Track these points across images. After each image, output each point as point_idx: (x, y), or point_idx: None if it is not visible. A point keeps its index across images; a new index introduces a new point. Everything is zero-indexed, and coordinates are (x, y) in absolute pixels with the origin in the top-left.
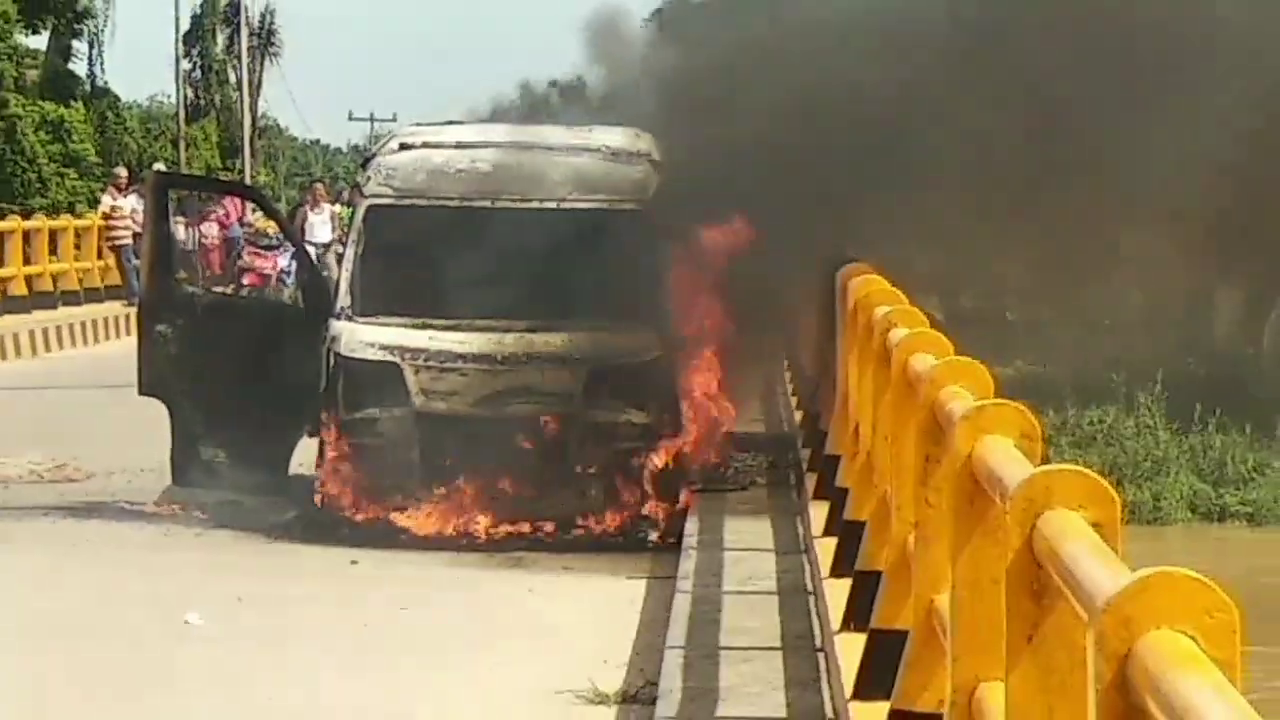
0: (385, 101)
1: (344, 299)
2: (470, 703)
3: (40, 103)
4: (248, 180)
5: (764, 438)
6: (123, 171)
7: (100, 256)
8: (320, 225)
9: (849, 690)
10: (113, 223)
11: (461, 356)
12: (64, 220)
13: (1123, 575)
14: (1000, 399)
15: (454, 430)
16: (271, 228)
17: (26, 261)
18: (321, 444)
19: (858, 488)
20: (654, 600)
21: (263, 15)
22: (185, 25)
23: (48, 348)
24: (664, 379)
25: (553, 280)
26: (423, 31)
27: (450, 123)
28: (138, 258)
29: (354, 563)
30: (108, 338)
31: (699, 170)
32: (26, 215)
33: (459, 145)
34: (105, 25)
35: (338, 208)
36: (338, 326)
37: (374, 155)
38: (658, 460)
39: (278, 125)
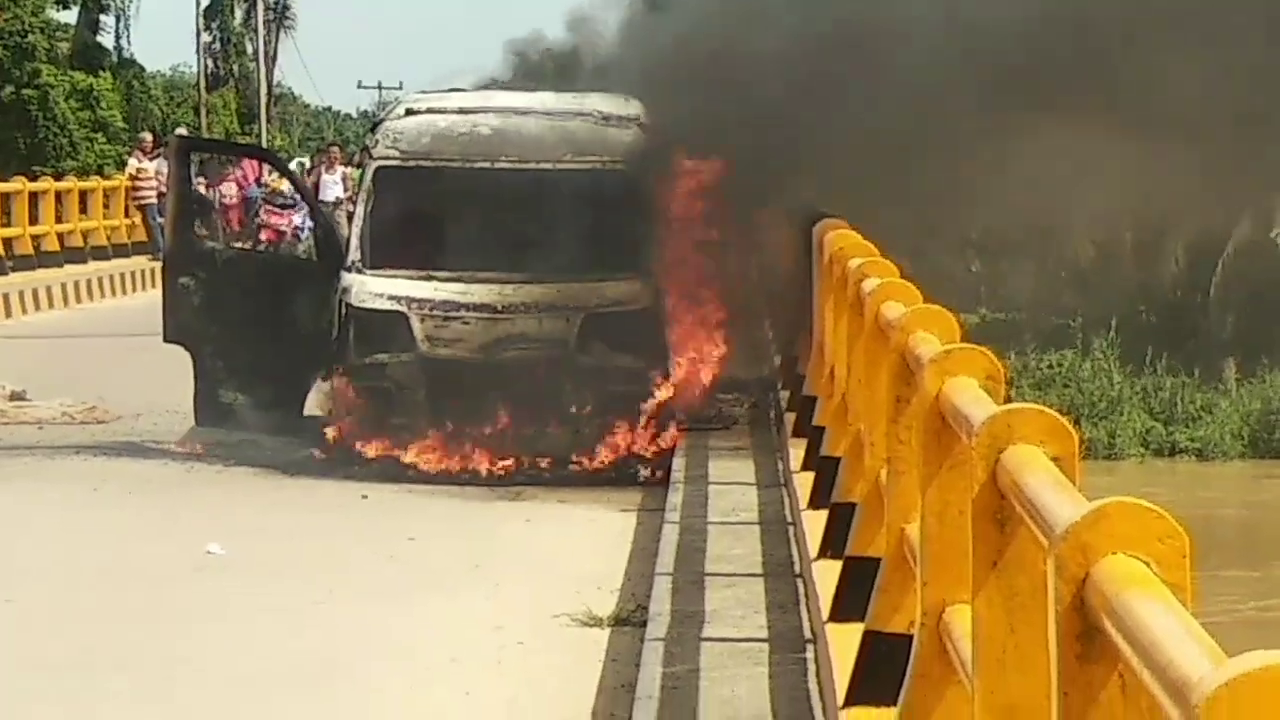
0: (392, 70)
1: (354, 253)
2: (474, 626)
3: (71, 73)
4: (264, 144)
5: (746, 380)
6: (148, 136)
7: (127, 215)
8: (333, 185)
9: (826, 613)
10: (138, 184)
11: (464, 306)
12: (93, 181)
13: (1080, 505)
14: (965, 344)
15: (457, 374)
16: (287, 187)
17: (59, 220)
18: (334, 387)
19: (834, 426)
20: (644, 531)
21: None
22: (205, 0)
23: (79, 299)
24: (653, 326)
25: (549, 236)
26: (428, 3)
27: (453, 90)
28: (162, 216)
29: (364, 497)
30: (134, 290)
31: (685, 132)
32: (58, 177)
33: (461, 111)
34: (131, 1)
35: (350, 169)
36: (348, 279)
37: (382, 120)
38: (647, 402)
39: (292, 93)
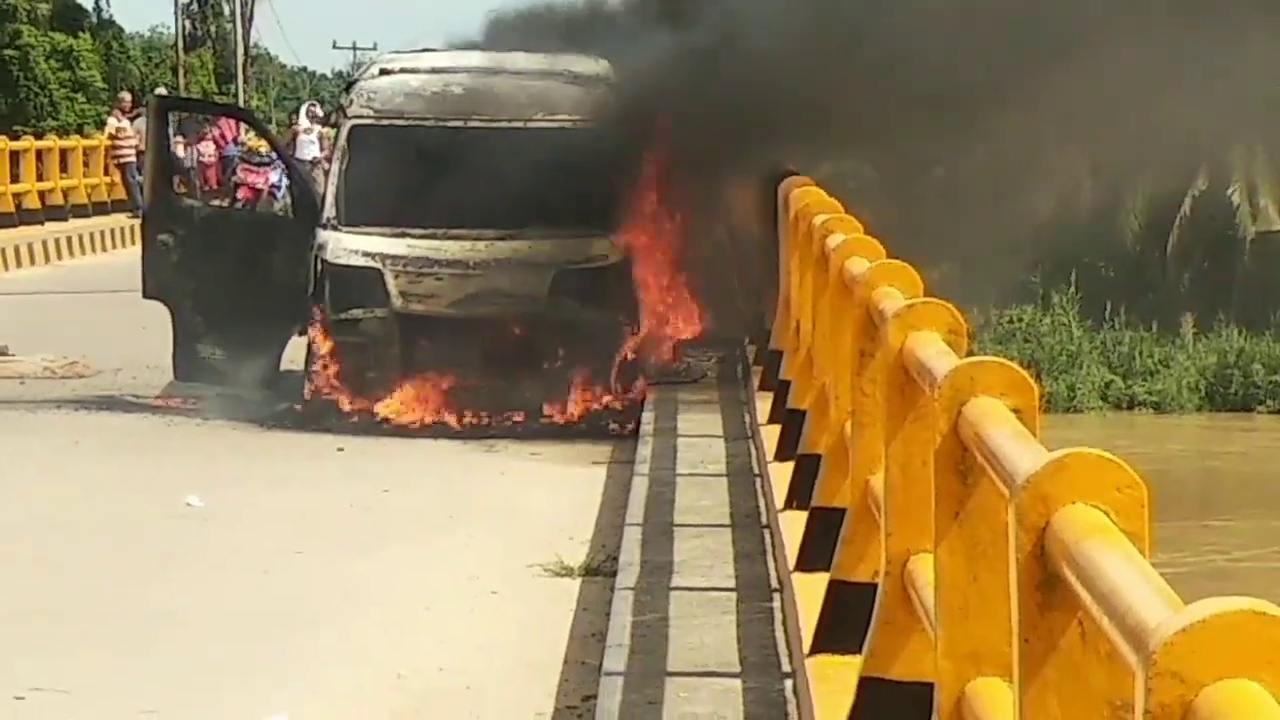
0: (367, 31)
1: (330, 210)
2: (447, 575)
3: (51, 33)
4: (241, 104)
5: (714, 336)
6: (127, 96)
7: (107, 173)
8: (309, 144)
9: (792, 563)
10: (118, 143)
11: (437, 262)
12: (73, 140)
13: (1040, 456)
14: (928, 298)
15: (431, 329)
16: (264, 146)
17: (40, 178)
18: (310, 342)
19: (799, 380)
20: (614, 483)
21: None
22: None
23: (59, 256)
24: (623, 281)
25: (520, 193)
26: None
27: (426, 50)
28: (141, 174)
29: (340, 450)
30: (114, 247)
31: (653, 91)
32: (39, 136)
33: (434, 70)
34: None
35: (326, 129)
36: (324, 235)
37: (356, 80)
38: (617, 356)
39: (268, 54)
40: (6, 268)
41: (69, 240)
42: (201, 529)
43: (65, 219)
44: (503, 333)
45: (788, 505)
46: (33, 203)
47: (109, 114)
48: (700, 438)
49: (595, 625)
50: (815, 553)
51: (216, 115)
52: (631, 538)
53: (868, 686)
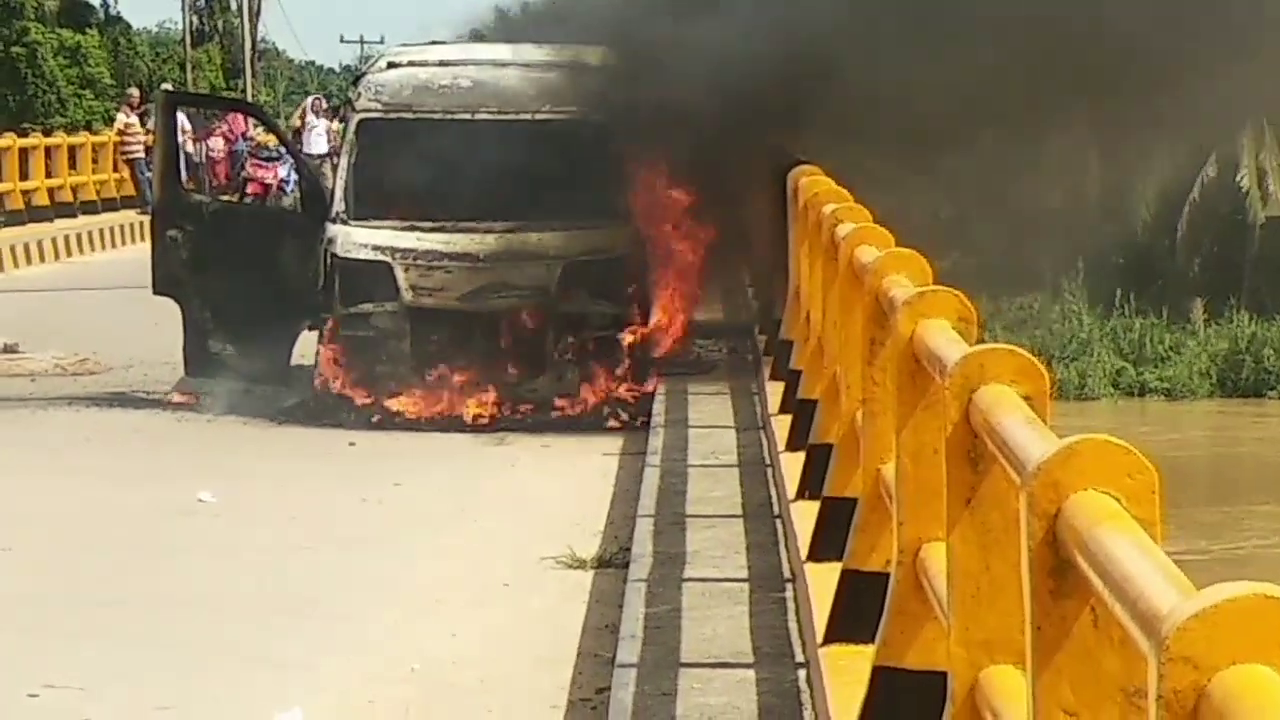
0: (374, 24)
1: (339, 205)
2: (460, 568)
3: (59, 30)
4: (249, 99)
5: (724, 325)
6: (135, 92)
7: (115, 169)
8: (317, 138)
9: (804, 553)
10: (126, 139)
11: (447, 255)
12: (82, 137)
13: (1051, 442)
14: (938, 286)
15: (441, 322)
16: (272, 141)
17: (49, 175)
18: (320, 337)
19: (810, 369)
20: (625, 474)
21: None
22: None
23: (69, 253)
24: (632, 272)
25: (528, 185)
26: None
27: (434, 43)
28: (150, 170)
29: (352, 444)
30: (123, 243)
31: (661, 81)
32: (48, 133)
33: (442, 63)
34: None
35: (335, 123)
36: (333, 230)
37: (364, 74)
38: (628, 347)
39: (276, 48)
40: (16, 265)
41: (78, 237)
42: (213, 524)
43: (74, 216)
44: (513, 325)
45: (799, 495)
46: (42, 200)
47: (117, 110)
48: (711, 428)
49: (608, 617)
50: (827, 542)
51: (225, 111)
52: (643, 529)
53: (881, 676)
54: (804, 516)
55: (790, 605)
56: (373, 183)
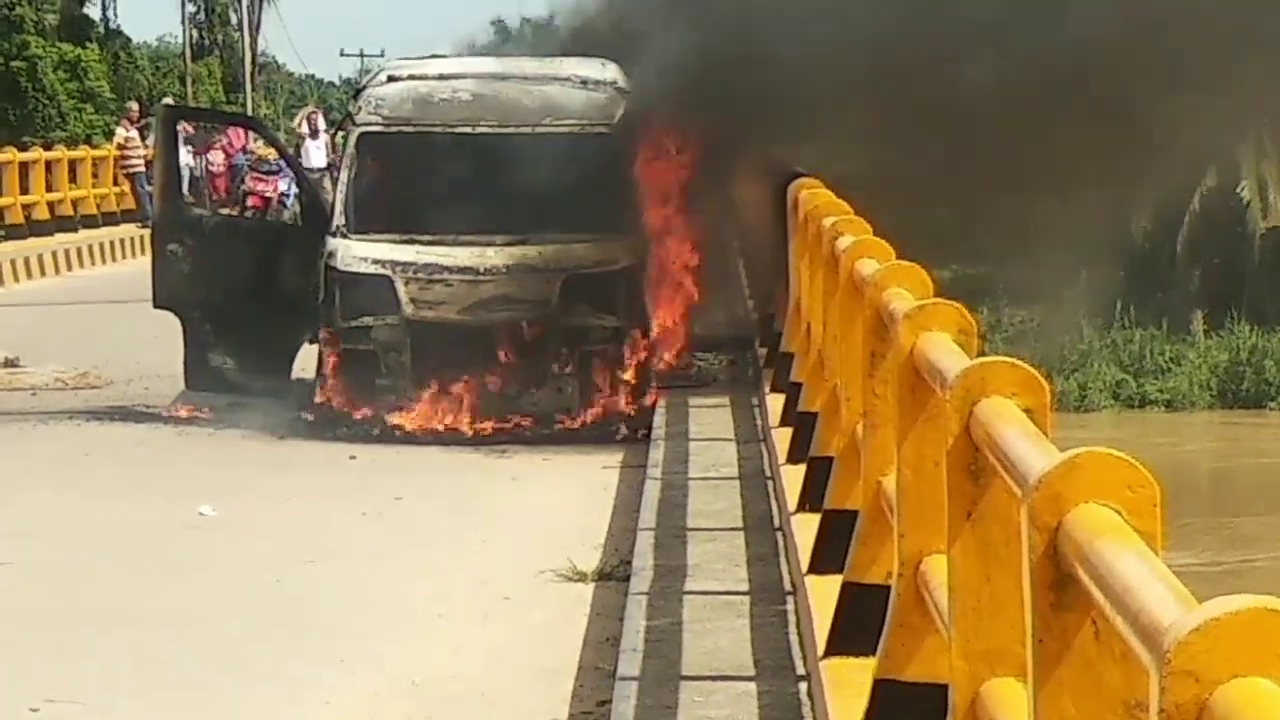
0: (374, 38)
1: (339, 218)
2: (461, 582)
3: (59, 44)
4: (249, 112)
5: (725, 338)
6: (135, 106)
7: (116, 183)
8: (316, 152)
9: (805, 565)
10: (126, 152)
11: (447, 269)
12: (82, 151)
13: (1052, 455)
14: (939, 299)
15: (441, 336)
16: (272, 155)
17: (49, 189)
18: (320, 350)
19: (810, 382)
20: (626, 487)
21: None
22: None
23: (69, 267)
24: (633, 286)
25: (529, 198)
26: None
27: (434, 56)
28: (150, 184)
29: (352, 457)
30: (124, 257)
31: (661, 95)
32: (48, 147)
33: (442, 77)
34: None
35: (324, 125)
36: (334, 243)
37: (365, 87)
38: (628, 360)
39: (275, 62)
40: (17, 279)
41: (78, 251)
42: (214, 538)
43: (75, 230)
44: (513, 339)
45: (800, 508)
46: (42, 214)
47: (117, 124)
48: (712, 441)
49: (609, 630)
50: (828, 555)
51: (225, 125)
52: (644, 542)
53: (882, 688)
54: (805, 529)
55: (791, 618)
56: (373, 196)
